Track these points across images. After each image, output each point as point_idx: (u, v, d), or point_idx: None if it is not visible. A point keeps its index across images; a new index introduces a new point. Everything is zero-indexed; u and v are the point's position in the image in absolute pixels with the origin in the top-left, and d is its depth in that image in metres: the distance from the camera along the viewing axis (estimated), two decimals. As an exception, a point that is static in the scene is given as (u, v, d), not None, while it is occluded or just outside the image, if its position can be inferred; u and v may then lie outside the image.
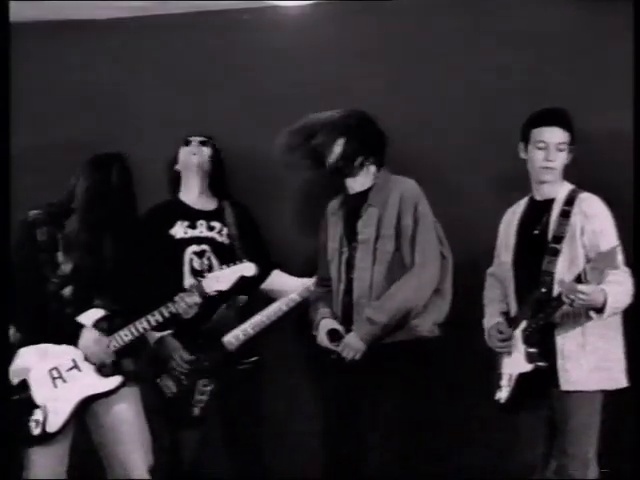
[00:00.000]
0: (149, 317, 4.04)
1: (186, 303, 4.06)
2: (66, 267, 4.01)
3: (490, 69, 4.74)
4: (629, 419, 4.23)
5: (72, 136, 4.96)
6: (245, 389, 4.51)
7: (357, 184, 4.35)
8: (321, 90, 4.87)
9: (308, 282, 4.50)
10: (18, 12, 4.39)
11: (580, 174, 4.17)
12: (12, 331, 4.01)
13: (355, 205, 4.31)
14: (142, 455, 4.06)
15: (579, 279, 3.84)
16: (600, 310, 3.86)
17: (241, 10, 5.09)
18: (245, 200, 4.75)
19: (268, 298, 4.60)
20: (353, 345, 4.19)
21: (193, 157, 4.63)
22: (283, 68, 5.02)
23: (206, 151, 4.65)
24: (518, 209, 4.24)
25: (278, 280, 4.61)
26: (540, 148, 4.10)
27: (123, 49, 5.19)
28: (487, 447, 4.61)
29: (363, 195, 4.30)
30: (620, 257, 3.89)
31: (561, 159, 4.10)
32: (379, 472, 4.13)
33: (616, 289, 3.88)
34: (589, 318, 3.91)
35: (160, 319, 4.05)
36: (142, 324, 4.05)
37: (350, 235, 4.28)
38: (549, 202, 4.12)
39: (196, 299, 4.09)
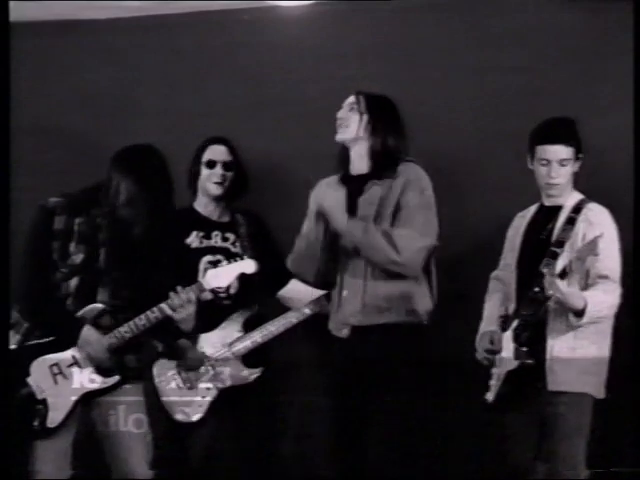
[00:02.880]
0: (149, 314, 3.98)
1: (180, 299, 3.99)
2: (77, 258, 3.99)
3: (490, 69, 4.75)
4: (620, 423, 4.25)
5: (72, 136, 4.95)
6: (255, 393, 4.50)
7: (363, 165, 4.34)
8: (321, 90, 4.87)
9: (320, 295, 4.50)
10: (18, 12, 4.39)
11: (579, 175, 4.17)
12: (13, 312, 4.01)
13: (359, 182, 4.29)
14: (143, 453, 4.06)
15: (564, 271, 3.88)
16: (579, 314, 3.88)
17: (241, 10, 5.10)
18: (245, 200, 4.75)
19: (279, 307, 4.61)
20: None
21: (214, 187, 4.58)
22: (283, 68, 5.02)
23: (229, 176, 4.59)
24: (527, 214, 4.25)
25: (295, 289, 4.61)
26: (543, 165, 4.10)
27: (123, 49, 5.19)
28: (478, 449, 4.61)
29: (367, 176, 4.28)
30: (602, 247, 3.87)
31: (565, 173, 4.10)
32: (378, 472, 4.13)
33: (599, 298, 3.92)
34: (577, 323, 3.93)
35: (160, 316, 3.98)
36: (142, 321, 4.03)
37: (351, 210, 4.25)
38: (557, 208, 4.13)
39: (191, 295, 4.01)
